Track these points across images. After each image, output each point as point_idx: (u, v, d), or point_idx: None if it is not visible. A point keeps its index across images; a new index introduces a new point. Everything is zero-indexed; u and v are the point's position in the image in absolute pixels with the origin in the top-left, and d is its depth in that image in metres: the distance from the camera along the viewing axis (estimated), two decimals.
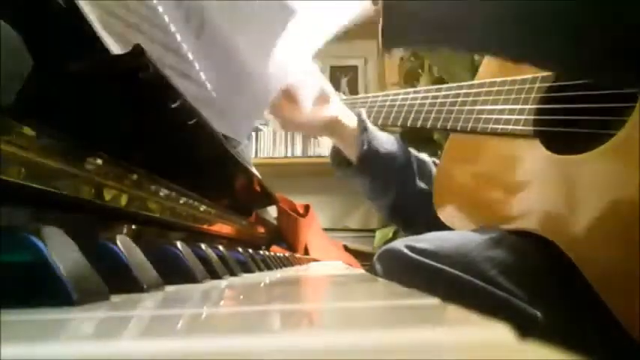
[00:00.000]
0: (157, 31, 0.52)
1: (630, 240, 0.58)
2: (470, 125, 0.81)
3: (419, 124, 0.90)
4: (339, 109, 0.96)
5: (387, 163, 0.93)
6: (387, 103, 0.97)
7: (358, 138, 0.92)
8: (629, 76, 0.49)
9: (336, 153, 1.00)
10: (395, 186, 0.94)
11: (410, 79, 2.31)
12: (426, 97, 0.90)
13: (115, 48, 0.37)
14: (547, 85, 0.74)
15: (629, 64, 0.44)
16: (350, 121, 0.95)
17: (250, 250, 0.67)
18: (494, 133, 0.78)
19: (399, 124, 0.95)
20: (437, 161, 0.98)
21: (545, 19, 0.45)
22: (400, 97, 0.96)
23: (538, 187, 0.71)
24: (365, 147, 0.91)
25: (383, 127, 0.97)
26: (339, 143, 0.97)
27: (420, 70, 2.33)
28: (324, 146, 2.05)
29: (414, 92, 0.94)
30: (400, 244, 0.68)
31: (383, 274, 0.68)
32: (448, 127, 0.85)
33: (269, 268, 0.71)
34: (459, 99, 0.84)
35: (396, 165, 0.93)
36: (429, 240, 0.69)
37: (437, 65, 2.07)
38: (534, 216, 0.69)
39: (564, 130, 0.71)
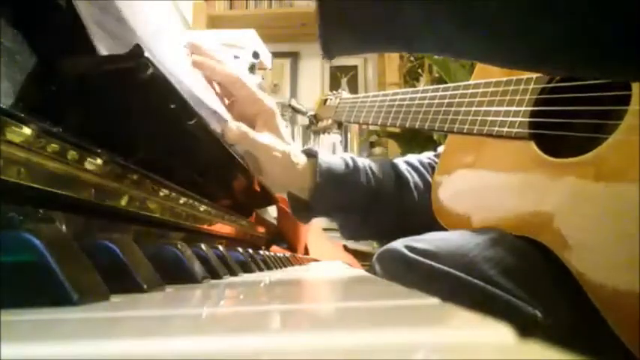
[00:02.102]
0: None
1: (629, 247, 0.57)
2: (466, 127, 0.81)
3: (417, 125, 0.90)
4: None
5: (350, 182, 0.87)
6: (386, 104, 0.97)
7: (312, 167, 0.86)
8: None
9: (294, 200, 0.91)
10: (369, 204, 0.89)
11: (410, 79, 2.32)
12: (424, 98, 0.90)
13: (112, 49, 0.37)
14: (541, 86, 0.74)
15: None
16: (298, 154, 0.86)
17: (250, 250, 0.67)
18: (490, 135, 0.77)
19: (397, 124, 0.95)
20: (431, 159, 0.98)
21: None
22: (399, 97, 0.96)
23: (532, 190, 0.71)
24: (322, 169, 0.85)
25: (382, 127, 0.98)
26: (292, 179, 0.86)
27: (419, 70, 2.33)
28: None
29: (412, 92, 0.94)
30: (399, 244, 0.68)
31: (382, 274, 0.68)
32: (445, 129, 0.85)
33: (269, 268, 0.70)
34: (456, 100, 0.84)
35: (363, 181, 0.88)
36: (428, 240, 0.69)
37: (436, 65, 2.07)
38: (530, 221, 0.69)
39: (558, 133, 0.71)
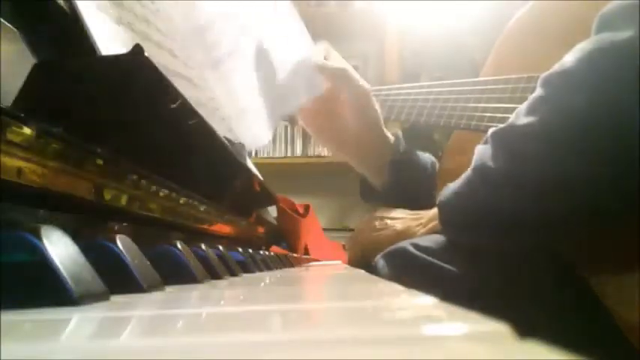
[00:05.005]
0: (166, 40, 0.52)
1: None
2: (473, 123, 0.81)
3: (422, 119, 0.90)
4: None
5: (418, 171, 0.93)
6: (391, 97, 0.97)
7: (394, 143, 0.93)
8: None
9: (364, 184, 0.99)
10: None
11: (410, 79, 2.31)
12: (430, 93, 0.90)
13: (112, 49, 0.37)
14: None
15: None
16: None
17: (250, 250, 0.67)
18: None
19: (402, 118, 0.95)
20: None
21: None
22: (404, 91, 0.95)
23: None
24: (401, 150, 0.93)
25: (385, 121, 0.97)
26: (371, 153, 0.94)
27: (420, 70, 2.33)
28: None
29: (419, 87, 0.94)
30: (405, 242, 0.68)
31: (387, 271, 0.68)
32: (452, 124, 0.85)
33: (269, 268, 0.70)
34: (463, 95, 0.84)
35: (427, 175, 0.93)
36: (433, 238, 0.69)
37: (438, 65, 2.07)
38: None
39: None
